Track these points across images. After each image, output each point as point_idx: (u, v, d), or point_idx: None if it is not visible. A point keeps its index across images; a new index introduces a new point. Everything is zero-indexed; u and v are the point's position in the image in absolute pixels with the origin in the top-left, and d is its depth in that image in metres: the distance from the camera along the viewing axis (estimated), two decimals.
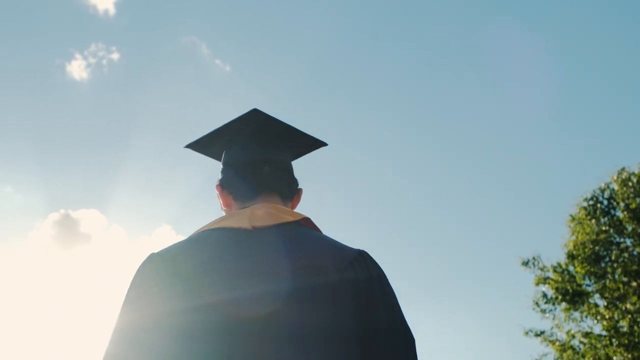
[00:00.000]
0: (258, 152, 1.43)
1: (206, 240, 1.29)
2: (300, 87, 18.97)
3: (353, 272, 1.26)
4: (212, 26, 18.13)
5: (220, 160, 1.51)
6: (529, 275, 14.64)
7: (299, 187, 1.49)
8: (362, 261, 1.30)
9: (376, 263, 1.33)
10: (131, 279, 1.30)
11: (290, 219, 1.34)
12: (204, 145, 1.51)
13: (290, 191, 1.45)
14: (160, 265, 1.26)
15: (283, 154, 1.47)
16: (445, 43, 20.14)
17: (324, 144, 1.54)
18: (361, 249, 1.34)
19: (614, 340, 13.28)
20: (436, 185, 20.89)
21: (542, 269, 14.35)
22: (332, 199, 19.13)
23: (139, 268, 1.30)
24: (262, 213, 1.33)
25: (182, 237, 1.38)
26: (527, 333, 14.19)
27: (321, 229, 1.42)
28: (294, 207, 1.49)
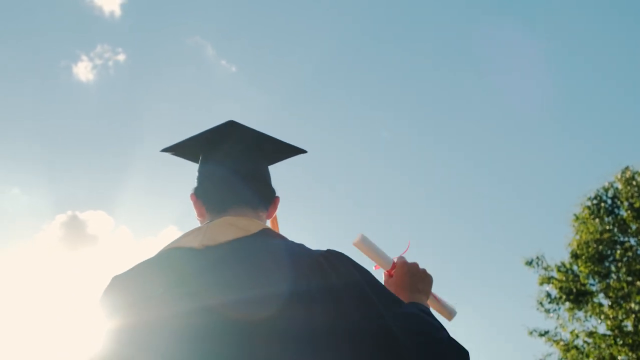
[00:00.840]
0: (233, 164, 1.44)
1: (159, 263, 1.33)
2: (305, 88, 19.00)
3: (307, 281, 1.21)
4: (217, 27, 18.15)
5: (197, 162, 1.52)
6: (533, 275, 14.66)
7: (276, 195, 1.49)
8: (321, 265, 1.25)
9: (344, 261, 1.28)
10: (98, 300, 1.36)
11: (247, 232, 1.32)
12: (180, 150, 1.54)
13: (264, 201, 1.46)
14: (121, 287, 1.33)
15: (259, 164, 1.48)
16: (447, 43, 20.14)
17: (303, 151, 1.55)
18: (329, 249, 1.30)
19: (618, 339, 13.27)
20: (438, 185, 20.90)
21: (545, 269, 14.34)
22: (333, 198, 19.15)
23: (105, 291, 1.36)
24: (216, 230, 1.33)
25: None
26: (531, 333, 14.19)
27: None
28: (269, 216, 1.49)
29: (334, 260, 1.26)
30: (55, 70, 16.91)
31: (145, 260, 1.36)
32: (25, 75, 16.47)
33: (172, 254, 1.33)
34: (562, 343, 13.92)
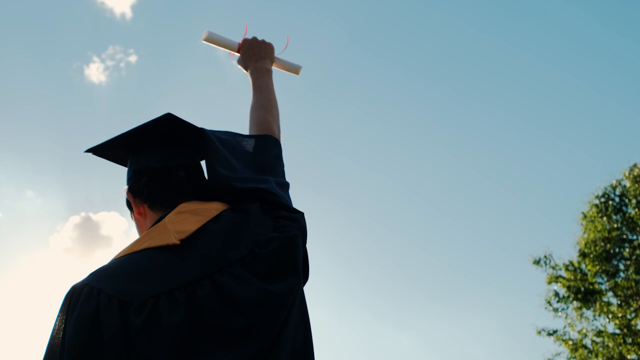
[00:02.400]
0: (172, 158, 1.41)
1: (139, 266, 1.20)
2: (318, 87, 19.03)
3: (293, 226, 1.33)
4: (227, 26, 18.18)
5: (125, 165, 1.47)
6: (541, 274, 14.63)
7: None
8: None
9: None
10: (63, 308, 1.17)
11: (212, 214, 1.31)
12: (108, 150, 1.46)
13: (206, 195, 1.43)
14: (102, 304, 1.13)
15: (195, 157, 1.46)
16: (453, 41, 20.12)
17: None
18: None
19: (627, 338, 13.21)
20: (446, 184, 20.88)
21: (553, 268, 14.29)
22: (344, 200, 19.16)
23: (74, 306, 1.16)
24: (179, 223, 1.27)
25: None
26: (539, 332, 14.14)
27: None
28: None
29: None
30: (68, 73, 17.04)
31: (116, 265, 1.22)
32: (38, 77, 16.61)
33: (151, 254, 1.22)
34: (570, 342, 13.87)
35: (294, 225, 1.33)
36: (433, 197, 21.08)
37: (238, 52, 1.85)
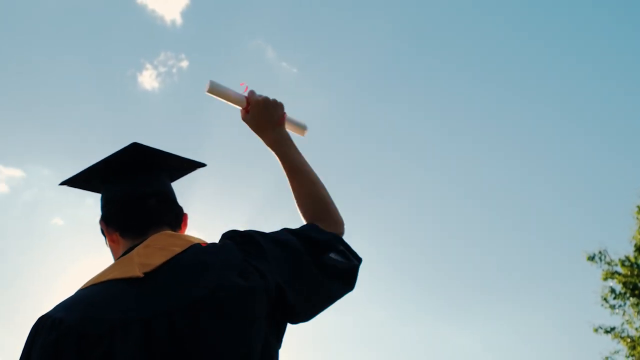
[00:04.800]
0: (142, 186, 1.43)
1: (101, 297, 1.23)
2: (368, 88, 19.12)
3: (256, 276, 1.30)
4: (277, 28, 18.41)
5: (100, 192, 1.50)
6: (596, 270, 14.33)
7: (184, 213, 1.50)
8: (245, 243, 1.37)
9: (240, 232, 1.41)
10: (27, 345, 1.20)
11: (177, 250, 1.32)
12: (81, 181, 1.50)
13: (178, 220, 1.46)
14: (61, 335, 1.17)
15: (166, 183, 1.48)
16: (511, 46, 19.90)
17: (203, 165, 1.58)
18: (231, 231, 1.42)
19: None
20: (499, 180, 20.66)
21: (609, 263, 13.96)
22: (400, 201, 19.21)
23: (38, 337, 1.19)
24: (147, 255, 1.30)
25: None
26: (596, 330, 13.86)
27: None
28: (182, 232, 1.48)
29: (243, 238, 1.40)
30: (122, 80, 17.67)
31: (80, 296, 1.26)
32: (94, 86, 17.26)
33: (115, 286, 1.25)
34: (628, 339, 13.54)
35: (259, 281, 1.29)
36: (486, 195, 20.89)
37: (247, 107, 1.69)
